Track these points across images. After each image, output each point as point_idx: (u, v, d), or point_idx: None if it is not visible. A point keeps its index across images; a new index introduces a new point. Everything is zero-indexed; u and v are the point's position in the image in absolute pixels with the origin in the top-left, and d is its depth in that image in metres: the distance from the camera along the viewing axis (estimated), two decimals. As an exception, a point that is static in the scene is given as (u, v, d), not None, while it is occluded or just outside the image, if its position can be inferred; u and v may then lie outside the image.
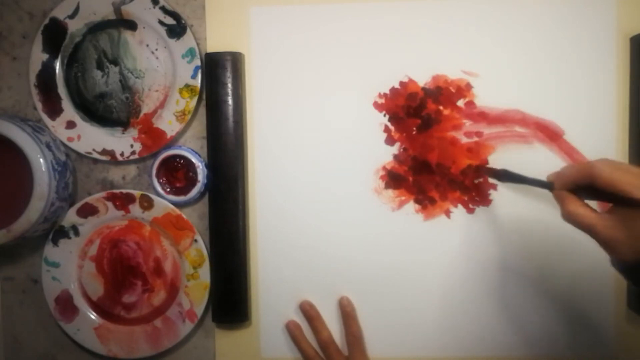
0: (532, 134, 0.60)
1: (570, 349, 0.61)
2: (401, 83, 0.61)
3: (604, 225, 0.43)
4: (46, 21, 0.62)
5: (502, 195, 0.61)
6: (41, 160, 0.57)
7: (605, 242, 0.43)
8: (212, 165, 0.61)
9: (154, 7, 0.61)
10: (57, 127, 0.62)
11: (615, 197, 0.43)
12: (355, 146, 0.62)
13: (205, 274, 0.62)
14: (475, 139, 0.61)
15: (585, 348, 0.61)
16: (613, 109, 0.60)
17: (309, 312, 0.62)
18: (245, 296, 0.62)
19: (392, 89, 0.61)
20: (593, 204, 0.46)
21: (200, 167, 0.61)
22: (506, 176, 0.57)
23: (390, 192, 0.62)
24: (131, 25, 0.62)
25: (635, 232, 0.42)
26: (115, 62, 0.63)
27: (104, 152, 0.62)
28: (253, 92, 0.62)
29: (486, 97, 0.61)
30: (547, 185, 0.49)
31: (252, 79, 0.62)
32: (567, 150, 0.60)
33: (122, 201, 0.62)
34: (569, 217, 0.45)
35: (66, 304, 0.64)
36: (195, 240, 0.62)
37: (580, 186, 0.45)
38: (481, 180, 0.61)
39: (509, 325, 0.61)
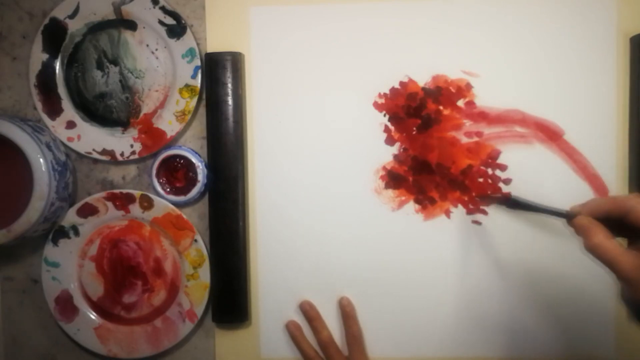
0: (532, 134, 0.60)
1: (570, 349, 0.61)
2: (401, 83, 0.61)
3: (630, 263, 0.41)
4: (46, 21, 0.62)
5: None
6: (41, 160, 0.57)
7: (627, 281, 0.41)
8: (212, 165, 0.61)
9: (154, 7, 0.61)
10: (57, 127, 0.62)
11: None
12: (355, 146, 0.62)
13: (205, 274, 0.62)
14: (475, 139, 0.61)
15: (586, 349, 0.61)
16: (613, 109, 0.60)
17: (309, 312, 0.62)
18: (245, 296, 0.62)
19: (392, 89, 0.61)
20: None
21: (200, 167, 0.61)
22: (514, 204, 0.54)
23: (390, 192, 0.62)
24: (131, 25, 0.62)
25: None
26: (115, 62, 0.63)
27: (104, 152, 0.62)
28: (253, 92, 0.62)
29: (486, 97, 0.61)
30: (564, 214, 0.47)
31: (252, 79, 0.62)
32: (567, 150, 0.60)
33: (122, 201, 0.62)
34: (593, 248, 0.43)
35: (66, 304, 0.64)
36: (195, 240, 0.62)
37: (610, 218, 0.44)
38: (482, 180, 0.61)
39: (507, 325, 0.61)
